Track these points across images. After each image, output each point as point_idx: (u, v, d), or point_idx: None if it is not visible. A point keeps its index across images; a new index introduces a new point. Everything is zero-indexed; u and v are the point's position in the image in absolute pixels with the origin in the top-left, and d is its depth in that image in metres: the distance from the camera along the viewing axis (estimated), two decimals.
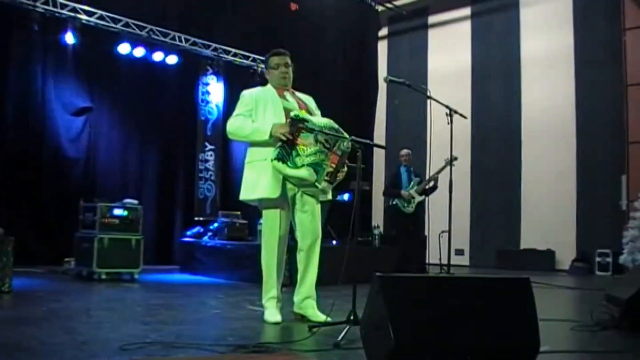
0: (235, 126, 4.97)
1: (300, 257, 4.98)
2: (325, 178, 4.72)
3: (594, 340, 4.48)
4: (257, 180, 4.85)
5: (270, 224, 4.92)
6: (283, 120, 4.77)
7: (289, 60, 5.13)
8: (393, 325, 2.78)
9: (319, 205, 5.00)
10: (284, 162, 4.67)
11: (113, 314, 5.30)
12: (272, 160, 4.68)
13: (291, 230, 5.06)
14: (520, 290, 3.20)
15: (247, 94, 5.06)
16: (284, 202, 4.87)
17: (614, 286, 5.71)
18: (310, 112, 4.98)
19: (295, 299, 5.02)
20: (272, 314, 4.86)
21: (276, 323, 4.78)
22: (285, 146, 4.68)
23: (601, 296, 5.50)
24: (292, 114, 4.74)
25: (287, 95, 5.08)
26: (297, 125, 4.65)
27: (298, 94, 5.20)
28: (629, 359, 3.93)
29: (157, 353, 3.52)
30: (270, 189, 4.77)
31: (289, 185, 4.85)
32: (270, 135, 4.70)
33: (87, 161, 10.49)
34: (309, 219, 4.93)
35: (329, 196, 5.03)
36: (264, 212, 4.97)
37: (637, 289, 4.80)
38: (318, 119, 4.82)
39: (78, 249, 8.35)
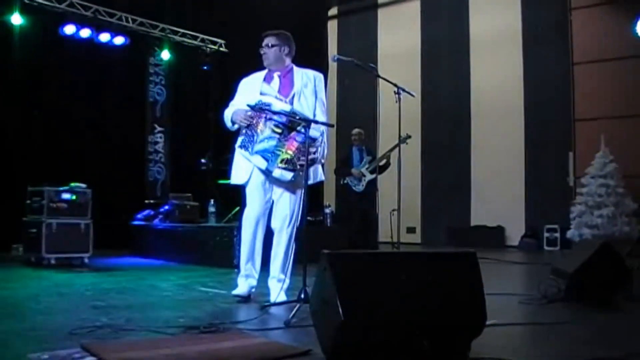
0: (224, 116, 5.08)
1: (273, 238, 5.04)
2: (280, 165, 4.72)
3: (541, 313, 4.59)
4: (235, 166, 5.02)
5: (247, 205, 5.02)
6: None
7: (270, 41, 5.07)
8: (341, 301, 2.80)
9: (295, 191, 4.98)
10: (245, 149, 4.82)
11: (62, 299, 5.24)
12: (237, 147, 4.88)
13: None
14: (467, 265, 3.24)
15: (242, 81, 5.18)
16: (259, 186, 4.94)
17: (560, 260, 5.84)
18: (293, 95, 4.94)
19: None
20: (237, 288, 5.00)
21: (236, 296, 4.92)
22: (248, 132, 4.79)
23: (549, 270, 5.63)
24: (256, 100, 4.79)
25: (275, 77, 5.06)
26: (253, 109, 4.69)
27: (299, 72, 5.11)
28: (574, 329, 4.02)
29: (107, 337, 3.50)
30: (238, 175, 4.99)
31: (258, 170, 4.90)
32: (233, 123, 4.89)
33: (33, 144, 10.27)
34: (279, 203, 4.99)
35: (321, 177, 5.07)
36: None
37: (581, 262, 4.93)
38: (281, 105, 4.81)
39: (26, 234, 8.20)
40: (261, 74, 5.11)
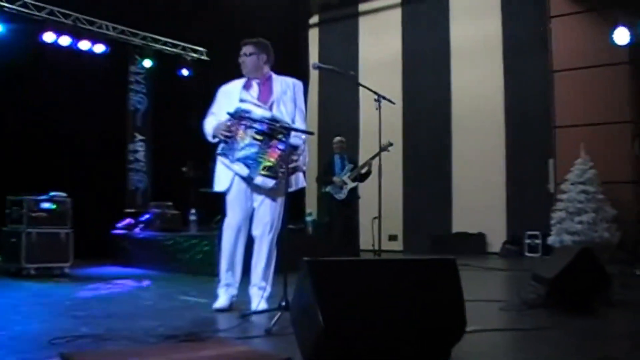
0: (203, 127, 5.10)
1: (254, 246, 5.02)
2: (262, 172, 4.73)
3: (521, 319, 4.62)
4: (217, 173, 5.02)
5: (227, 213, 5.03)
6: None
7: (248, 50, 5.08)
8: (321, 308, 2.81)
9: (276, 199, 4.98)
10: (226, 156, 4.84)
11: (42, 308, 5.21)
12: (217, 155, 4.91)
13: None
14: (447, 271, 3.25)
15: (220, 89, 5.19)
16: (240, 194, 4.94)
17: (540, 266, 5.88)
18: (272, 102, 4.95)
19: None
20: (217, 300, 4.97)
21: (217, 310, 4.87)
22: (229, 140, 4.80)
23: (529, 277, 5.66)
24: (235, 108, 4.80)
25: (254, 84, 5.07)
26: (233, 117, 4.70)
27: (278, 80, 5.12)
28: (553, 335, 4.05)
29: (87, 346, 3.49)
30: (219, 183, 4.99)
31: (239, 178, 4.90)
32: (214, 137, 4.92)
33: (12, 153, 10.18)
34: (260, 210, 4.98)
35: (303, 183, 5.07)
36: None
37: (561, 269, 4.97)
38: (261, 111, 4.81)
39: (5, 244, 8.11)
40: (240, 82, 5.11)
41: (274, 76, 5.13)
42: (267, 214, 4.95)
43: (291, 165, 4.79)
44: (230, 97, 5.01)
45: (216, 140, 4.93)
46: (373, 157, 9.32)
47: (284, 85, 5.07)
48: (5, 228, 8.18)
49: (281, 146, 4.70)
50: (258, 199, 4.97)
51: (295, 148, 4.76)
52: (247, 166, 4.74)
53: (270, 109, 4.89)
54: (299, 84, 5.17)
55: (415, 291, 3.12)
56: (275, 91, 5.02)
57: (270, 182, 4.76)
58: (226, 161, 4.83)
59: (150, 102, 12.51)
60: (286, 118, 4.87)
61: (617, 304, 5.13)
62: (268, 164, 4.72)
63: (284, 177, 4.74)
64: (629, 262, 8.25)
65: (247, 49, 5.08)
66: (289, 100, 5.02)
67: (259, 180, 4.76)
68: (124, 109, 12.17)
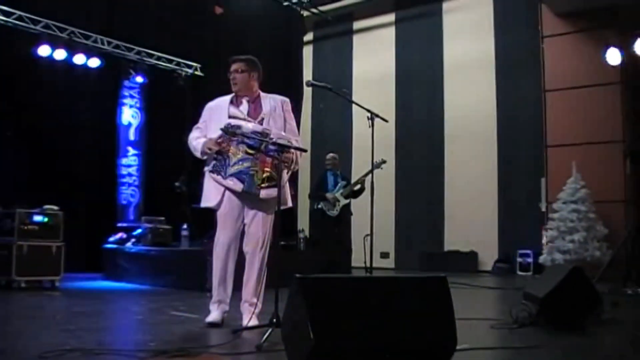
0: (188, 140, 5.11)
1: (246, 262, 5.01)
2: (264, 185, 4.74)
3: (512, 337, 4.62)
4: (206, 189, 5.01)
5: (218, 229, 5.00)
6: None
7: (239, 67, 5.09)
8: (312, 325, 2.81)
9: (268, 214, 4.99)
10: (218, 173, 4.83)
11: (32, 322, 5.18)
12: (208, 171, 4.91)
13: None
14: (438, 289, 3.27)
15: (206, 106, 5.19)
16: (231, 210, 4.93)
17: (532, 285, 5.89)
18: (262, 118, 4.96)
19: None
20: (210, 314, 4.94)
21: (209, 324, 4.84)
22: (219, 157, 4.81)
23: (520, 295, 5.68)
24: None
25: (244, 101, 5.08)
26: (225, 133, 4.70)
27: (267, 97, 5.15)
28: (543, 353, 4.06)
29: None
30: (210, 199, 4.96)
31: (230, 193, 4.89)
32: (202, 153, 4.89)
33: (5, 165, 10.15)
34: (252, 226, 4.97)
35: (289, 203, 5.05)
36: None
37: (552, 287, 4.98)
38: (252, 126, 4.83)
39: None
40: (227, 98, 5.12)
41: (262, 94, 5.16)
42: (259, 229, 4.95)
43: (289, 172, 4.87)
44: (218, 113, 5.02)
45: (205, 157, 4.94)
46: (366, 175, 9.31)
47: (273, 102, 5.11)
48: None
49: (271, 153, 4.73)
50: (250, 214, 4.96)
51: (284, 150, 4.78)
52: (242, 181, 4.75)
53: (261, 124, 4.90)
54: (287, 101, 5.21)
55: (407, 309, 3.12)
56: (264, 107, 5.04)
57: (274, 192, 4.76)
58: (218, 177, 4.83)
59: (144, 117, 12.51)
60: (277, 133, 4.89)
61: (607, 323, 5.14)
62: (265, 174, 4.74)
63: (281, 184, 4.79)
64: (619, 281, 8.27)
65: (238, 66, 5.09)
66: (278, 116, 5.05)
67: (263, 194, 4.79)
68: (118, 123, 12.17)
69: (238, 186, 4.77)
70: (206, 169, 4.98)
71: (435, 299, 3.23)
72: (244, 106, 5.05)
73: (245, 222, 4.98)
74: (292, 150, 4.86)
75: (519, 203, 13.43)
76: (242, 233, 5.02)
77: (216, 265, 4.98)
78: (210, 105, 5.18)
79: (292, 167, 4.96)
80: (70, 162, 11.09)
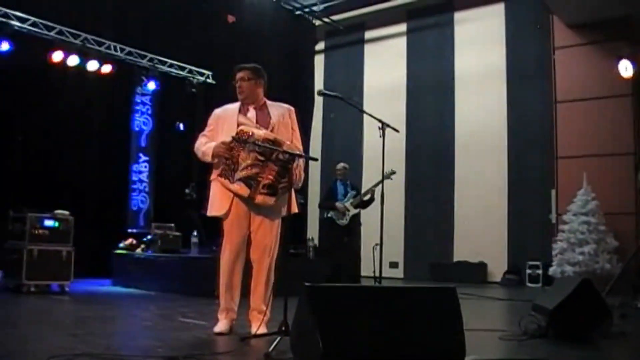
0: (195, 148, 5.12)
1: (253, 270, 5.01)
2: (262, 191, 4.75)
3: (521, 349, 4.60)
4: (213, 197, 4.99)
5: (225, 237, 4.99)
6: None
7: (246, 75, 5.11)
8: (321, 333, 2.82)
9: (274, 221, 5.00)
10: (226, 177, 4.83)
11: (41, 325, 5.20)
12: (217, 176, 4.90)
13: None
14: (446, 300, 3.27)
15: (213, 113, 5.20)
16: (239, 218, 4.92)
17: (541, 297, 5.87)
18: (272, 127, 4.97)
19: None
20: (218, 324, 4.93)
21: (217, 334, 4.83)
22: (229, 162, 4.81)
23: (530, 307, 5.65)
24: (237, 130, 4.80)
25: (251, 109, 5.09)
26: (237, 141, 4.72)
27: (273, 105, 5.18)
28: None
29: None
30: (217, 207, 4.94)
31: (238, 201, 4.89)
32: (214, 156, 4.88)
33: (17, 170, 10.21)
34: (258, 233, 4.96)
35: (295, 209, 5.03)
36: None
37: (562, 299, 4.97)
38: (263, 133, 4.84)
39: (6, 260, 8.13)
40: (235, 106, 5.14)
41: (268, 102, 5.19)
42: (265, 237, 4.95)
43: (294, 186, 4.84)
44: (227, 120, 5.03)
45: (216, 160, 4.93)
46: (376, 185, 9.29)
47: (280, 110, 5.14)
48: (6, 244, 8.18)
49: (278, 163, 4.74)
50: (256, 221, 4.95)
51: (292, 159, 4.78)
52: (249, 186, 4.76)
53: (271, 132, 4.92)
54: (292, 110, 5.24)
55: (415, 319, 3.12)
56: (273, 115, 5.06)
57: (271, 200, 4.79)
58: (226, 182, 4.82)
59: (155, 123, 12.56)
60: (286, 141, 4.90)
61: (616, 336, 5.12)
62: (267, 182, 4.76)
63: (284, 192, 4.81)
64: (630, 294, 8.22)
65: (245, 74, 5.11)
66: (286, 125, 5.09)
67: (259, 199, 4.78)
68: (129, 130, 12.22)
69: (244, 191, 4.76)
70: (214, 173, 4.98)
71: (444, 309, 3.23)
72: (251, 113, 5.07)
73: (252, 230, 4.98)
74: (298, 164, 4.87)
75: (529, 214, 13.38)
76: (249, 241, 5.02)
77: (224, 273, 4.97)
78: (218, 112, 5.19)
79: (296, 183, 4.95)
80: (82, 167, 11.15)
